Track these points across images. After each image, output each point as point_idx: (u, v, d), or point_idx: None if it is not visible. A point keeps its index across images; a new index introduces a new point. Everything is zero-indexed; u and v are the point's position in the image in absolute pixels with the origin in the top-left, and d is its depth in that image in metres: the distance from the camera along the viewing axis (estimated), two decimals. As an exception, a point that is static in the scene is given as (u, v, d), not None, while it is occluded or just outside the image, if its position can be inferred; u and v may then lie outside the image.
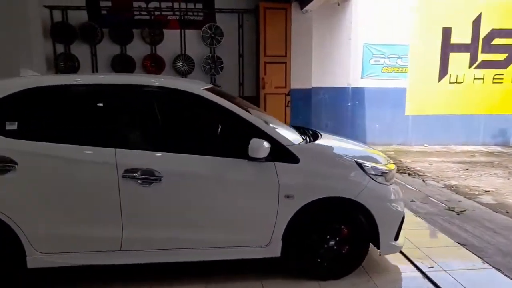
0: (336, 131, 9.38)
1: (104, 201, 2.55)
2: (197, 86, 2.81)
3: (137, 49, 8.53)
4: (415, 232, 3.81)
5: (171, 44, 8.61)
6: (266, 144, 2.57)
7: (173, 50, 8.63)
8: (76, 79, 2.82)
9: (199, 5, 8.64)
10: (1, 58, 7.56)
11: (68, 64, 8.34)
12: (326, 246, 2.86)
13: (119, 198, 2.54)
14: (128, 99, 2.68)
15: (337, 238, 2.87)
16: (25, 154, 2.46)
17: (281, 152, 2.72)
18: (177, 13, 8.55)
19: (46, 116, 2.61)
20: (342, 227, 2.86)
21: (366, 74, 9.36)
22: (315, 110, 9.12)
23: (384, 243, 2.91)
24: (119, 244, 2.61)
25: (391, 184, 3.05)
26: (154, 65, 8.56)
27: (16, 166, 2.44)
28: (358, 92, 9.43)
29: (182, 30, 8.61)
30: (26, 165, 2.45)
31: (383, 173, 2.95)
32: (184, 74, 8.67)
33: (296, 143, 2.85)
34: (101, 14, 8.35)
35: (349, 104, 9.48)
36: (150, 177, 2.55)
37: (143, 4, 8.49)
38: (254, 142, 2.54)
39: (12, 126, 2.49)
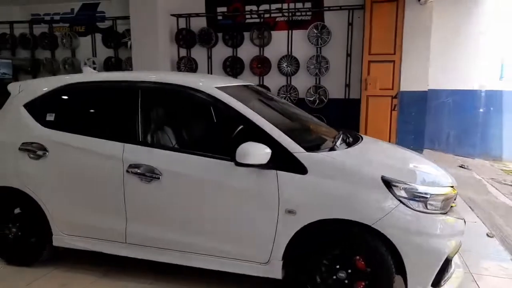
0: (461, 142, 7.96)
1: (112, 193, 2.69)
2: (210, 84, 2.70)
3: (247, 51, 8.84)
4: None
5: (278, 45, 8.65)
6: (257, 149, 2.29)
7: (280, 51, 8.65)
8: (98, 78, 3.03)
9: (308, 5, 8.41)
10: (136, 61, 8.88)
11: (187, 66, 9.20)
12: (334, 277, 2.39)
13: (124, 192, 2.63)
14: (140, 96, 2.75)
15: (349, 271, 2.36)
16: (54, 143, 2.76)
17: (286, 160, 2.39)
18: (286, 14, 8.51)
19: (72, 109, 2.90)
20: (357, 258, 2.35)
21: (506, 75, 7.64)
22: (433, 116, 7.91)
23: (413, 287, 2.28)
24: (124, 236, 2.71)
25: (443, 214, 2.36)
26: (261, 66, 8.74)
27: (47, 153, 2.76)
28: (493, 96, 7.76)
29: (290, 31, 8.54)
30: (54, 153, 2.76)
31: (423, 198, 2.30)
32: (288, 75, 8.60)
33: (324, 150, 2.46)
34: (217, 19, 8.92)
35: (481, 110, 7.88)
36: (150, 174, 2.57)
37: (254, 8, 8.72)
38: (243, 146, 2.29)
39: (50, 117, 2.83)
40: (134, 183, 2.62)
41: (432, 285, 2.30)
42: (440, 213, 2.38)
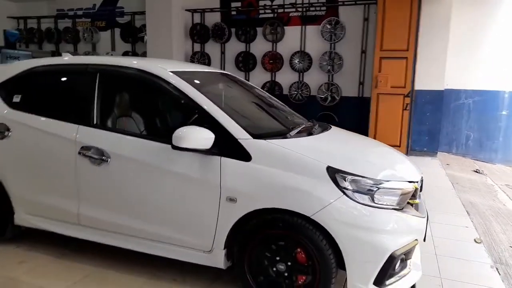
0: (481, 146, 7.47)
1: (66, 175, 2.71)
2: (165, 67, 2.64)
3: (260, 46, 8.75)
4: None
5: (291, 41, 8.50)
6: (196, 133, 2.22)
7: (292, 47, 8.50)
8: (61, 61, 3.05)
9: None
10: (150, 56, 9.03)
11: (201, 61, 9.24)
12: (274, 269, 2.28)
13: (75, 173, 2.64)
14: (98, 79, 2.74)
15: (289, 263, 2.24)
16: (17, 124, 2.82)
17: (230, 146, 2.30)
18: (300, 9, 8.35)
19: (35, 91, 2.95)
20: (298, 250, 2.21)
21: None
22: (451, 117, 7.49)
23: (353, 285, 2.12)
24: (77, 218, 2.71)
25: (396, 210, 2.19)
26: (272, 62, 8.63)
27: (10, 133, 2.82)
28: (518, 98, 7.24)
29: (303, 26, 8.38)
30: (16, 133, 2.81)
31: (369, 191, 2.14)
32: (300, 72, 8.43)
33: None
34: (231, 14, 8.90)
35: (503, 112, 7.37)
36: (99, 157, 2.56)
37: (268, 3, 8.62)
38: (180, 129, 2.22)
39: (16, 98, 2.89)
40: (85, 165, 2.61)
41: (375, 284, 2.12)
42: (392, 208, 2.19)
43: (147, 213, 2.53)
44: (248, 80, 8.88)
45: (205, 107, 2.41)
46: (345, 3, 7.97)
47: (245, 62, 8.87)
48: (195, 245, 2.44)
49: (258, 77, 8.81)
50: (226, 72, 3.52)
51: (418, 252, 2.49)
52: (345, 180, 2.14)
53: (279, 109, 3.28)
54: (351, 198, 2.11)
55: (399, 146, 7.00)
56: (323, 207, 2.10)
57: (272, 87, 8.70)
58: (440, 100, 7.23)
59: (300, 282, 2.25)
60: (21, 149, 2.85)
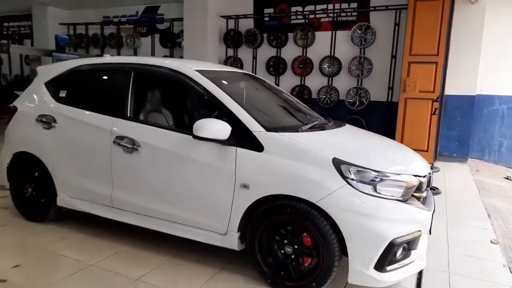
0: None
1: (102, 162, 3.06)
2: (191, 66, 2.92)
3: (290, 51, 8.97)
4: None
5: (321, 46, 8.65)
6: (213, 125, 2.47)
7: (322, 51, 8.64)
8: (101, 61, 3.41)
9: (354, 5, 8.31)
10: (187, 57, 9.47)
11: (233, 65, 9.58)
12: (282, 252, 2.47)
13: (110, 160, 2.97)
14: (132, 77, 3.07)
15: (295, 246, 2.43)
16: (62, 116, 3.21)
17: (245, 137, 2.54)
18: (331, 15, 8.49)
19: (78, 87, 3.34)
20: (305, 235, 2.40)
21: None
22: (483, 123, 7.33)
23: (355, 269, 2.27)
24: (110, 200, 3.04)
25: (399, 201, 2.33)
26: (302, 66, 8.81)
27: (56, 124, 3.21)
28: (556, 105, 6.99)
29: (333, 31, 8.51)
30: (61, 124, 3.20)
31: (372, 181, 2.29)
32: (329, 76, 8.55)
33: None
34: (264, 20, 9.19)
35: (541, 120, 7.13)
36: (131, 145, 2.87)
37: (300, 9, 8.83)
38: (200, 120, 2.48)
39: (62, 94, 3.29)
40: (119, 153, 2.93)
41: (376, 268, 2.26)
42: (396, 200, 2.33)
43: (170, 197, 2.81)
44: (278, 84, 9.12)
45: (223, 102, 2.66)
46: (376, 8, 8.02)
47: (276, 66, 9.11)
48: (212, 227, 2.69)
49: (288, 81, 9.02)
50: (248, 72, 3.77)
51: (424, 244, 2.60)
52: (349, 171, 2.31)
53: (296, 107, 3.48)
54: (354, 188, 2.27)
55: (427, 151, 6.94)
56: (327, 195, 2.27)
57: (301, 91, 8.87)
58: (471, 106, 7.11)
59: (306, 264, 2.43)
60: (65, 138, 3.23)
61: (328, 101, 8.58)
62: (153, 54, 10.69)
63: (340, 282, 2.53)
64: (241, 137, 2.55)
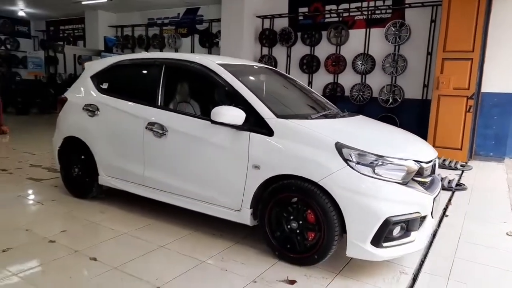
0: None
1: (136, 145, 3.44)
2: (213, 60, 3.25)
3: (324, 49, 9.12)
4: None
5: (354, 43, 8.73)
6: (229, 111, 2.76)
7: (356, 49, 8.71)
8: (137, 56, 3.83)
9: (388, 2, 8.31)
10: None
11: (268, 63, 9.87)
12: (288, 226, 2.72)
13: (143, 143, 3.37)
14: (163, 70, 3.44)
15: (300, 222, 2.67)
16: (104, 105, 3.66)
17: (258, 123, 2.81)
18: (365, 13, 8.54)
19: (118, 80, 3.77)
20: (308, 211, 2.63)
21: None
22: (523, 122, 7.08)
23: (352, 242, 2.47)
24: (142, 179, 3.44)
25: (398, 183, 2.51)
26: (335, 64, 8.93)
27: (99, 112, 3.67)
28: None
29: (367, 29, 8.55)
30: (103, 112, 3.65)
31: (370, 164, 2.48)
32: (363, 74, 8.60)
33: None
34: (298, 19, 9.40)
35: None
36: (160, 130, 3.24)
37: (334, 7, 8.95)
38: (218, 107, 2.79)
39: (104, 86, 3.74)
40: (150, 137, 3.31)
41: (372, 244, 2.44)
42: (395, 182, 2.50)
43: (192, 176, 3.14)
44: (311, 82, 9.30)
45: (240, 91, 2.95)
46: (412, 5, 7.97)
47: (309, 64, 9.28)
48: (227, 204, 2.98)
49: (321, 79, 9.17)
50: (269, 67, 4.04)
51: (427, 227, 2.74)
52: (350, 154, 2.51)
53: (312, 99, 3.70)
54: (353, 169, 2.47)
55: (460, 149, 6.84)
56: (328, 175, 2.49)
57: (334, 88, 8.98)
58: (509, 104, 6.90)
59: (309, 238, 2.65)
60: (106, 124, 3.67)
61: (361, 98, 8.63)
62: (192, 53, 11.24)
63: (343, 260, 2.74)
64: (255, 123, 2.82)
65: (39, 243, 2.95)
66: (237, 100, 2.95)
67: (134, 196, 3.60)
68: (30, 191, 4.30)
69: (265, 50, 9.95)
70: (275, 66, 9.79)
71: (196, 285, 2.44)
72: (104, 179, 3.75)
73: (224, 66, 3.18)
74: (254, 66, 3.82)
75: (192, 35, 11.22)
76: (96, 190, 3.90)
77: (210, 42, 10.80)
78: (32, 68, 12.72)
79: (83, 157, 3.89)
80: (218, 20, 10.24)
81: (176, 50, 11.42)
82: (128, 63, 3.78)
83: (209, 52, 10.87)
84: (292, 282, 2.51)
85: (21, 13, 13.21)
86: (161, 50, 11.68)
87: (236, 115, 2.79)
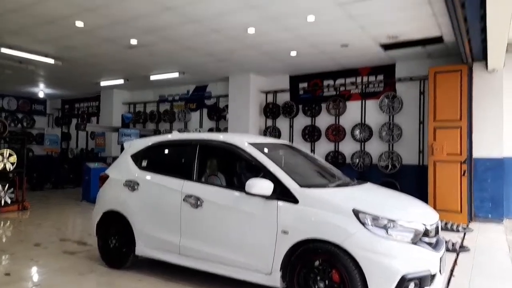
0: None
1: (173, 216, 3.88)
2: (244, 140, 3.83)
3: (324, 120, 9.91)
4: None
5: (352, 114, 9.52)
6: (260, 183, 3.27)
7: (354, 119, 9.48)
8: (172, 137, 4.44)
9: (380, 77, 9.25)
10: (230, 130, 10.65)
11: (272, 134, 10.62)
12: (316, 286, 3.08)
13: (180, 215, 3.82)
14: (198, 149, 4.01)
15: (326, 281, 3.04)
16: (144, 180, 4.17)
17: (284, 193, 3.31)
18: (360, 87, 9.45)
19: (156, 158, 4.33)
20: (333, 271, 3.02)
21: None
22: (513, 184, 7.59)
23: (373, 299, 2.84)
24: (178, 248, 3.83)
25: (409, 243, 2.95)
26: (335, 133, 9.65)
27: (139, 187, 4.18)
28: None
29: (363, 101, 9.39)
30: (143, 187, 4.15)
31: (384, 226, 2.94)
32: (361, 141, 9.27)
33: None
34: (299, 93, 10.32)
35: None
36: (197, 202, 3.72)
37: (331, 82, 9.91)
38: (251, 180, 3.31)
39: (144, 163, 4.30)
40: (187, 208, 3.76)
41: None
42: (406, 242, 2.94)
43: (226, 243, 3.54)
44: (313, 150, 9.95)
45: (267, 166, 3.48)
46: (401, 79, 8.89)
47: (311, 134, 10.01)
48: (260, 268, 3.35)
49: (323, 147, 9.83)
50: (286, 143, 4.65)
51: (437, 284, 3.12)
52: (365, 218, 2.99)
53: (326, 169, 4.25)
54: (370, 231, 2.93)
55: (460, 213, 7.22)
56: (348, 237, 2.94)
57: (335, 156, 9.60)
58: (500, 168, 7.41)
59: (336, 294, 3.02)
60: (145, 198, 4.13)
61: (362, 165, 9.21)
62: (201, 126, 12.03)
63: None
64: (281, 193, 3.32)
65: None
66: (265, 173, 3.46)
67: (165, 264, 3.95)
68: (67, 264, 4.57)
69: (269, 122, 10.74)
70: (279, 136, 10.52)
71: None
72: (141, 249, 4.11)
73: (252, 144, 3.77)
74: (276, 143, 4.43)
75: (200, 109, 12.09)
76: (131, 260, 4.24)
77: (218, 116, 11.63)
78: (48, 145, 13.41)
79: (121, 229, 4.27)
80: (226, 95, 11.15)
81: (186, 124, 12.23)
82: (166, 143, 4.38)
83: (217, 125, 11.66)
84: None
85: (41, 94, 14.23)
86: (171, 124, 12.49)
87: (266, 186, 3.29)
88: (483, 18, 4.75)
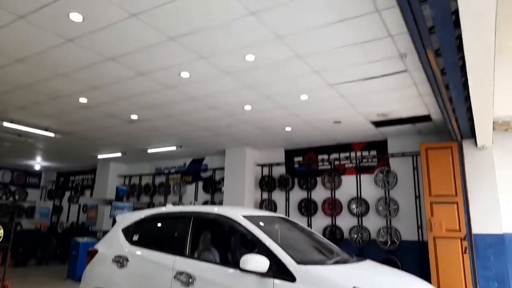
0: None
1: (163, 293, 3.67)
2: (238, 212, 3.78)
3: (320, 193, 9.86)
4: None
5: (348, 188, 9.52)
6: (255, 259, 3.15)
7: (349, 193, 9.45)
8: (164, 210, 4.36)
9: (374, 152, 9.43)
10: (226, 203, 10.54)
11: (268, 207, 10.49)
12: None
13: (171, 293, 3.62)
14: (187, 222, 3.93)
15: None
16: (134, 255, 4.02)
17: (281, 270, 3.17)
18: (354, 161, 9.59)
19: (147, 232, 4.21)
20: None
21: None
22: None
23: None
24: (169, 329, 3.57)
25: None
26: (332, 207, 9.54)
27: (128, 262, 4.00)
28: None
29: (358, 175, 9.46)
30: (132, 262, 3.98)
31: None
32: (358, 216, 9.14)
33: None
34: (294, 167, 10.42)
35: None
36: (188, 279, 3.54)
37: (325, 157, 10.06)
38: (246, 256, 3.19)
39: (135, 237, 4.17)
40: (177, 286, 3.57)
41: None
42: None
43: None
44: (310, 224, 9.76)
45: (262, 240, 3.39)
46: (394, 155, 9.06)
47: (307, 207, 9.89)
48: None
49: (320, 221, 9.65)
50: (282, 216, 4.58)
51: None
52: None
53: (323, 244, 4.13)
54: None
55: (467, 293, 6.89)
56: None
57: (333, 231, 9.38)
58: (501, 244, 7.21)
59: None
60: (133, 274, 3.93)
61: (360, 240, 8.97)
62: (196, 199, 11.90)
63: None
64: (277, 269, 3.18)
65: None
66: (260, 248, 3.36)
67: None
68: None
69: (265, 195, 10.67)
70: (275, 209, 10.39)
71: None
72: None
73: (247, 217, 3.70)
74: (271, 216, 4.36)
75: (196, 181, 12.06)
76: None
77: (213, 188, 11.58)
78: (38, 218, 13.07)
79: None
80: (222, 168, 11.22)
81: (180, 197, 12.11)
82: (159, 216, 4.30)
83: (212, 197, 11.56)
84: None
85: (37, 167, 14.26)
86: (165, 197, 12.37)
87: (262, 262, 3.16)
88: (467, 98, 4.99)
